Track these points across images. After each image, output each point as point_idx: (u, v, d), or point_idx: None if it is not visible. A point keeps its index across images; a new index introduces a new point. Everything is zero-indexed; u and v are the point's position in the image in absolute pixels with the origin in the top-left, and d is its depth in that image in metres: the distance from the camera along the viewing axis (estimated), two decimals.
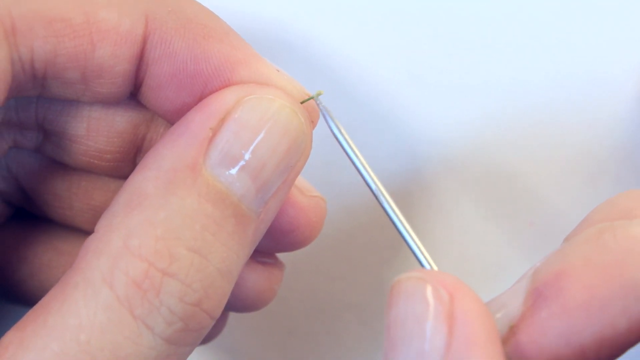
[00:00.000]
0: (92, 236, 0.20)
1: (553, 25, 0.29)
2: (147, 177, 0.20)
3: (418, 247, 0.20)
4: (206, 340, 0.29)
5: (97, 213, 0.27)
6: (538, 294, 0.17)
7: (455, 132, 0.31)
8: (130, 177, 0.20)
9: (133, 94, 0.23)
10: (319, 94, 0.23)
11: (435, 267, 0.20)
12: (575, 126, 0.31)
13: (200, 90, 0.22)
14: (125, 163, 0.25)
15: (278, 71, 0.22)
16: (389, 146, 0.32)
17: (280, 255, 0.28)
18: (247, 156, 0.20)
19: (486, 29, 0.29)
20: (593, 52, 0.29)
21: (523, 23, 0.29)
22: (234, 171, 0.20)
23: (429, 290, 0.16)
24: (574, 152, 0.31)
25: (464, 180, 0.32)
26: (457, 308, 0.16)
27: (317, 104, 0.23)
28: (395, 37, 0.30)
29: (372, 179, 0.21)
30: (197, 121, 0.21)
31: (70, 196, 0.26)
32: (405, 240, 0.20)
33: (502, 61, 0.30)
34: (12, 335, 0.19)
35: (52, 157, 0.25)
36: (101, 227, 0.20)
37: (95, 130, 0.24)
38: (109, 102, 0.23)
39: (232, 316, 0.31)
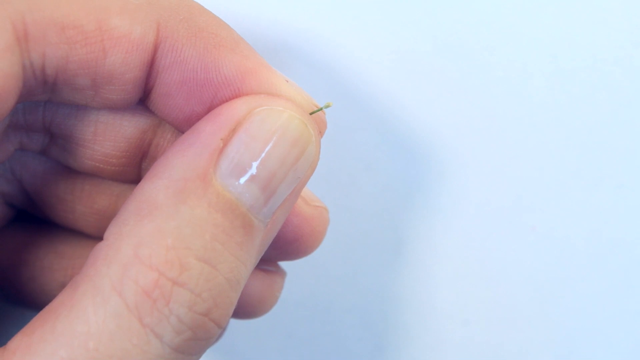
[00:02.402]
0: (101, 243, 0.20)
1: (553, 23, 0.29)
2: (157, 186, 0.20)
3: None
4: None
5: (100, 217, 0.27)
6: None
7: (456, 134, 0.32)
8: (140, 185, 0.20)
9: (142, 100, 0.23)
10: (327, 106, 0.23)
11: None
12: (577, 128, 0.31)
13: (210, 99, 0.22)
14: (130, 168, 0.25)
15: (287, 82, 0.23)
16: (389, 147, 0.32)
17: None
18: (256, 167, 0.20)
19: (487, 29, 0.29)
20: (594, 52, 0.29)
21: (524, 22, 0.29)
22: (243, 181, 0.20)
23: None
24: (577, 155, 0.31)
25: (465, 183, 0.32)
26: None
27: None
28: (395, 37, 0.30)
29: None
30: (208, 131, 0.21)
31: (73, 199, 0.26)
32: None
33: (503, 61, 0.30)
34: (19, 340, 0.19)
35: (58, 160, 0.25)
36: (111, 234, 0.20)
37: (102, 135, 0.24)
38: (118, 107, 0.23)
39: (233, 319, 0.31)
